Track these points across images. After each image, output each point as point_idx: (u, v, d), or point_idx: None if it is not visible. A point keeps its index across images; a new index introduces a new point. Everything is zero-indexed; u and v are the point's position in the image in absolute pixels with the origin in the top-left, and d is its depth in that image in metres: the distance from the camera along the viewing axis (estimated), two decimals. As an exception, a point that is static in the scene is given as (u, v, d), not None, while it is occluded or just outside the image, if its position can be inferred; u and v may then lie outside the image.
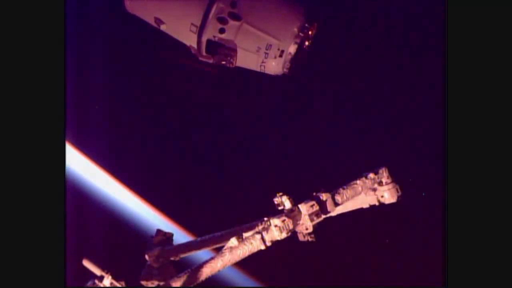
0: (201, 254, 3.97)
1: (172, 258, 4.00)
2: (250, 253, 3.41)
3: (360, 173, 3.89)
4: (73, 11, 5.90)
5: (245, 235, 3.44)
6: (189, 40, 5.17)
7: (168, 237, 4.09)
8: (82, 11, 6.17)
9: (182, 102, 6.39)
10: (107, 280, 3.14)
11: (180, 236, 5.36)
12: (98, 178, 6.62)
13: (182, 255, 4.04)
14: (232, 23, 4.97)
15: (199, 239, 4.03)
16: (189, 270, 3.33)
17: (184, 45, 5.31)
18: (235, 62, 5.19)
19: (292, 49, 5.05)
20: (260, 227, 3.47)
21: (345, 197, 3.74)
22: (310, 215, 3.56)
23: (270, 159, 6.41)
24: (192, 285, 3.31)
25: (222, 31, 5.01)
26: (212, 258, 3.37)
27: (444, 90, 3.45)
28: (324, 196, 3.65)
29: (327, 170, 6.07)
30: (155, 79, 6.37)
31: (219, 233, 3.92)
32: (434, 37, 5.80)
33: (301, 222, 3.57)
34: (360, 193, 3.82)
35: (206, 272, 3.33)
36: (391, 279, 6.16)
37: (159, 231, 4.10)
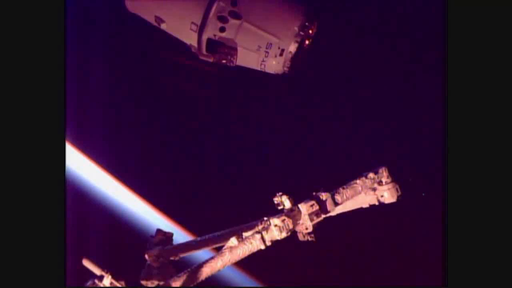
0: (201, 254, 3.97)
1: (172, 258, 4.00)
2: (250, 252, 3.41)
3: (360, 173, 3.89)
4: (73, 11, 5.90)
5: (245, 234, 3.44)
6: (190, 39, 5.16)
7: (168, 236, 4.09)
8: (82, 10, 6.17)
9: (182, 101, 6.38)
10: (107, 280, 3.14)
11: (180, 236, 5.36)
12: (98, 178, 6.62)
13: (182, 255, 4.04)
14: (232, 21, 4.97)
15: (199, 239, 4.03)
16: (189, 270, 3.33)
17: (184, 44, 5.30)
18: (236, 61, 5.18)
19: (293, 48, 5.04)
20: (260, 227, 3.47)
21: (345, 197, 3.74)
22: (310, 214, 3.56)
23: (270, 158, 6.41)
24: (192, 285, 3.32)
25: (222, 29, 5.00)
26: (212, 258, 3.37)
27: (444, 90, 3.45)
28: (324, 196, 3.66)
29: (327, 170, 6.07)
30: (155, 78, 6.37)
31: (219, 233, 3.92)
32: (434, 36, 5.79)
33: (301, 221, 3.57)
34: (360, 192, 3.82)
35: (206, 271, 3.33)
36: (391, 279, 6.16)
37: (159, 231, 4.10)
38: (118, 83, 6.41)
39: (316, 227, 3.62)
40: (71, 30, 4.57)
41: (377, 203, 3.93)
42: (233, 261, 3.39)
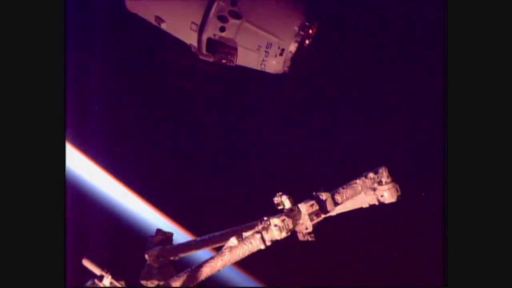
0: (201, 254, 3.97)
1: (172, 258, 4.00)
2: (250, 252, 3.41)
3: (360, 173, 3.89)
4: (73, 11, 5.90)
5: (245, 234, 3.44)
6: (190, 38, 5.16)
7: (168, 236, 4.09)
8: (82, 10, 6.17)
9: (182, 101, 6.38)
10: (107, 280, 3.14)
11: (180, 236, 5.36)
12: (98, 178, 6.62)
13: (182, 255, 4.04)
14: (232, 21, 4.96)
15: (199, 238, 4.03)
16: (189, 269, 3.33)
17: (184, 44, 5.30)
18: (236, 60, 5.18)
19: (293, 47, 5.04)
20: (260, 227, 3.47)
21: (344, 197, 3.74)
22: (310, 214, 3.56)
23: (270, 158, 6.41)
24: (192, 285, 3.32)
25: (222, 29, 5.00)
26: (212, 258, 3.37)
27: (445, 90, 3.45)
28: (324, 196, 3.65)
29: (327, 170, 6.07)
30: (155, 78, 6.37)
31: (219, 233, 3.92)
32: (435, 36, 5.79)
33: (301, 221, 3.57)
34: (360, 192, 3.82)
35: (206, 271, 3.33)
36: (391, 279, 6.16)
37: (159, 231, 4.10)
38: (118, 83, 6.41)
39: (316, 227, 3.62)
40: (71, 30, 4.57)
41: (377, 203, 3.93)
42: (233, 261, 3.39)
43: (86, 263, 3.21)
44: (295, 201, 3.59)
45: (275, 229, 3.41)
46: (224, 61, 5.21)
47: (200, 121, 6.49)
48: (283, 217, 3.45)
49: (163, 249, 3.95)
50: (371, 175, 3.84)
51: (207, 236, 3.98)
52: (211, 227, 4.00)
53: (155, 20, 5.21)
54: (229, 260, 3.37)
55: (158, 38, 5.42)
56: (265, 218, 3.48)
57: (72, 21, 5.64)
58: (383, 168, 3.89)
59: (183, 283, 3.29)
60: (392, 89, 6.23)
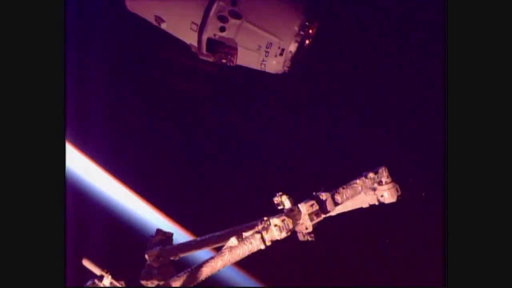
0: (201, 253, 3.97)
1: (172, 258, 4.00)
2: (250, 252, 3.41)
3: (360, 173, 3.89)
4: (73, 11, 5.90)
5: (245, 234, 3.44)
6: (190, 38, 5.16)
7: (168, 236, 4.09)
8: (82, 10, 6.17)
9: (182, 101, 6.39)
10: (107, 280, 3.14)
11: (180, 236, 5.36)
12: (98, 178, 6.62)
13: (182, 255, 4.04)
14: (232, 21, 4.96)
15: (199, 238, 4.03)
16: (189, 269, 3.33)
17: (184, 44, 5.31)
18: (236, 60, 5.18)
19: (293, 47, 5.03)
20: (260, 227, 3.47)
21: (345, 197, 3.74)
22: (310, 214, 3.56)
23: (270, 158, 6.41)
24: (192, 285, 3.32)
25: (222, 29, 4.99)
26: (212, 258, 3.37)
27: (444, 89, 3.45)
28: (324, 196, 3.66)
29: (327, 170, 6.07)
30: (155, 78, 6.37)
31: (219, 233, 3.92)
32: (434, 36, 5.79)
33: (301, 221, 3.57)
34: (360, 192, 3.82)
35: (206, 271, 3.33)
36: (391, 279, 6.16)
37: (159, 231, 4.10)
38: (118, 83, 6.41)
39: (316, 227, 3.62)
40: (71, 30, 4.57)
41: (377, 203, 3.93)
42: (233, 261, 3.39)
43: (86, 263, 3.22)
44: (295, 201, 3.59)
45: (275, 229, 3.41)
46: (224, 61, 5.21)
47: (200, 121, 6.49)
48: (283, 217, 3.45)
49: (163, 249, 3.95)
50: (371, 175, 3.85)
51: (207, 236, 3.98)
52: (211, 227, 4.00)
53: (155, 20, 5.21)
54: (229, 260, 3.37)
55: (158, 38, 5.42)
56: (265, 218, 3.49)
57: (72, 21, 5.64)
58: (383, 168, 3.90)
59: (183, 283, 3.29)
60: (392, 89, 6.23)
